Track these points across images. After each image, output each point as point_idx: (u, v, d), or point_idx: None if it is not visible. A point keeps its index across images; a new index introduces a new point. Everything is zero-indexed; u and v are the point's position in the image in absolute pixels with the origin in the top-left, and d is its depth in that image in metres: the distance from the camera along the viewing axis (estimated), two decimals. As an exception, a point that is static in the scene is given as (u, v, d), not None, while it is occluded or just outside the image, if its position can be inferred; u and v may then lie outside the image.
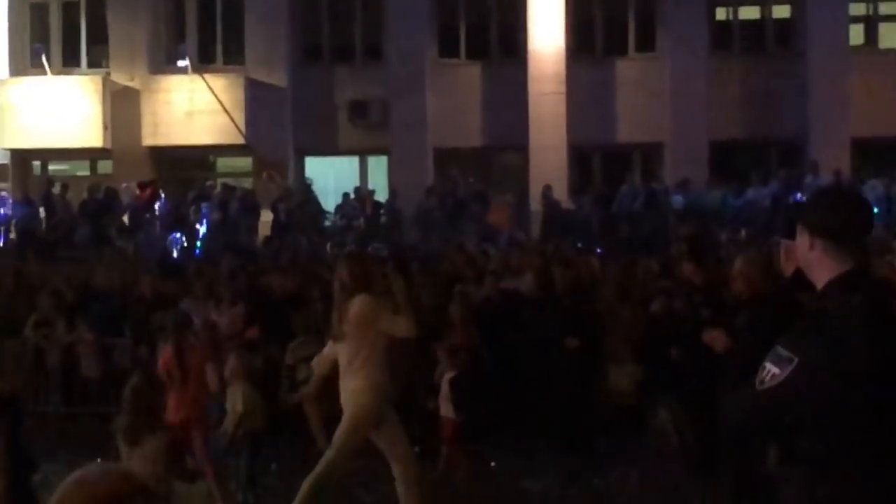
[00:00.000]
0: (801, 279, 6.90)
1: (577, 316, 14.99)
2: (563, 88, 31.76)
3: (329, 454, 10.12)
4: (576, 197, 31.18)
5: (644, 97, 32.09)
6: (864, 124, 31.29)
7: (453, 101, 32.28)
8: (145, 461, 8.35)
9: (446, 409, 13.55)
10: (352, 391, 10.03)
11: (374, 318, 9.91)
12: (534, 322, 15.69)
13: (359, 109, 32.52)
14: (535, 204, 30.44)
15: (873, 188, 27.51)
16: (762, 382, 4.69)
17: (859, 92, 31.32)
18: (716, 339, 10.69)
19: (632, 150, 33.11)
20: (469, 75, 32.81)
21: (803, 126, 31.79)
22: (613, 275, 18.12)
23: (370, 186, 32.12)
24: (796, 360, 4.63)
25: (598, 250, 23.76)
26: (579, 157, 32.74)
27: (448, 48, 33.12)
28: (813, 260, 4.93)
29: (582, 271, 16.63)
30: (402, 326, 9.95)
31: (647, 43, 32.88)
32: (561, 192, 30.80)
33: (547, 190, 30.01)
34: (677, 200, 29.44)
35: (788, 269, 5.32)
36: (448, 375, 13.79)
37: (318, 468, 10.07)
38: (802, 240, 4.96)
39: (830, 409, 4.66)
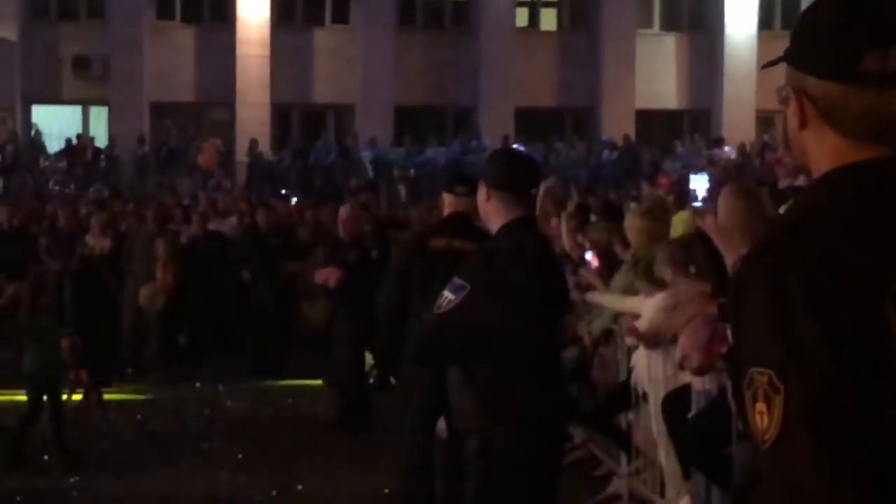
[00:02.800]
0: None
1: (279, 254, 14.91)
2: (267, 52, 31.37)
3: None
4: (277, 150, 31.00)
5: (338, 63, 31.95)
6: (527, 96, 32.01)
7: (169, 59, 31.49)
8: None
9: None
10: None
11: None
12: (237, 260, 15.52)
13: (82, 63, 31.36)
14: (241, 156, 30.14)
15: (533, 153, 28.12)
16: (440, 307, 4.77)
17: (522, 68, 31.96)
18: (328, 275, 11.38)
19: (327, 109, 32.98)
20: (183, 37, 32.03)
21: (475, 96, 32.26)
22: (310, 219, 18.02)
23: (91, 134, 31.20)
24: (468, 287, 4.72)
25: (295, 198, 23.56)
26: (280, 114, 32.42)
27: (165, 12, 32.19)
28: (490, 210, 5.03)
29: (282, 214, 16.51)
30: None
31: (342, 16, 32.69)
32: (264, 146, 30.55)
33: (252, 143, 29.77)
34: (366, 155, 29.59)
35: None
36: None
37: None
38: (481, 193, 5.02)
39: (497, 331, 4.77)
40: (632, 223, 8.44)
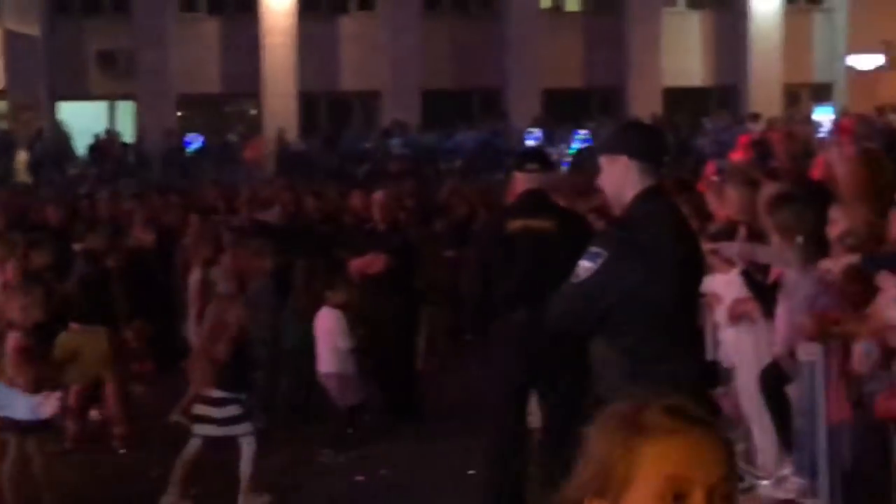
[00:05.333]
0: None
1: (325, 242, 14.82)
2: (293, 41, 31.35)
3: None
4: (305, 139, 30.96)
5: (364, 50, 31.94)
6: (554, 77, 31.92)
7: (194, 51, 31.48)
8: None
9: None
10: None
11: None
12: (283, 249, 15.42)
13: (107, 58, 31.38)
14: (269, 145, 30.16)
15: (562, 134, 28.23)
16: (577, 276, 4.78)
17: (549, 49, 31.86)
18: (370, 262, 11.40)
19: (353, 97, 32.96)
20: (208, 28, 32.04)
21: (502, 79, 32.18)
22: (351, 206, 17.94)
23: (118, 129, 31.19)
24: (606, 254, 4.76)
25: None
26: (307, 103, 32.36)
27: (189, 3, 32.24)
28: (627, 179, 4.98)
29: (328, 201, 16.47)
30: None
31: (367, 2, 32.67)
32: (291, 135, 30.55)
33: (280, 132, 29.82)
34: (395, 142, 29.50)
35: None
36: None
37: None
38: (618, 163, 4.95)
39: (638, 296, 4.78)
40: (733, 193, 8.31)
